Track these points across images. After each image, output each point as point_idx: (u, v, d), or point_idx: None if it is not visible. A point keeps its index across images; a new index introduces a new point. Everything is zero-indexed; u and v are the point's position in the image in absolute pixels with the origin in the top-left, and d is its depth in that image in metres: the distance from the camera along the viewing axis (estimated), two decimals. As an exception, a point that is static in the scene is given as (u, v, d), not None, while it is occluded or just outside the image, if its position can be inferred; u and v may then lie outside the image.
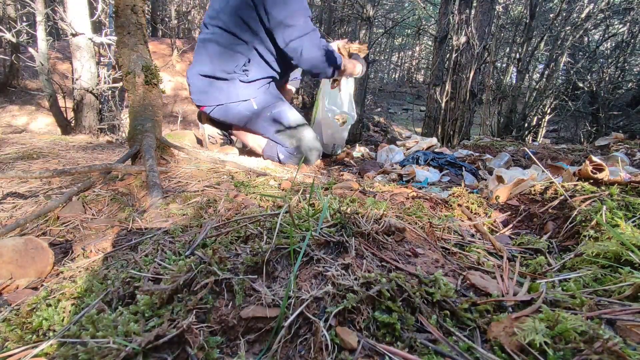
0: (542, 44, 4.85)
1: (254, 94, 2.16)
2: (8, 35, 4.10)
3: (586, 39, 5.46)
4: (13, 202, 1.22)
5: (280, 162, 2.19)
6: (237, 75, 2.12)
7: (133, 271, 0.58)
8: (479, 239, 0.86)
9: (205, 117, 2.44)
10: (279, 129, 2.15)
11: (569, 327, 0.42)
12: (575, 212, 0.86)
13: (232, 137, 2.55)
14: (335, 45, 2.46)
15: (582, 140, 4.82)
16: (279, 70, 2.27)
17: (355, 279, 0.52)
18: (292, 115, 2.17)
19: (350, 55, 2.51)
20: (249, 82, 2.14)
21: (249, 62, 2.11)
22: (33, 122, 7.13)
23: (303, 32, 2.00)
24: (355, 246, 0.60)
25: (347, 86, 2.64)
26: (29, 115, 7.34)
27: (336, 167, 2.33)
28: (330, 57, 2.14)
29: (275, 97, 2.23)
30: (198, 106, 2.34)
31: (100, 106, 4.19)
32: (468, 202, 1.12)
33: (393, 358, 0.42)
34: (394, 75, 19.11)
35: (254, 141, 2.31)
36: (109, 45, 4.26)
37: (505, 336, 0.44)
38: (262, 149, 2.26)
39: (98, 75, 4.14)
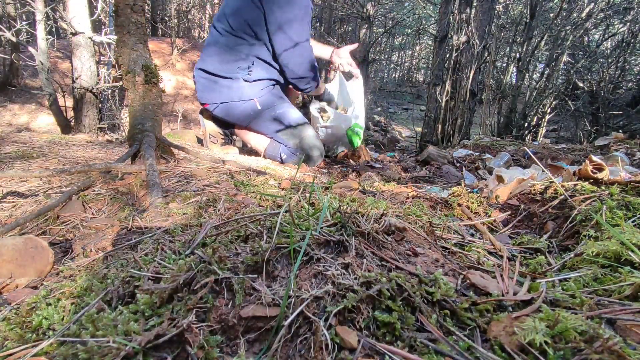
0: (542, 44, 4.85)
1: (257, 94, 2.17)
2: (8, 34, 4.09)
3: (586, 38, 5.46)
4: (13, 201, 1.22)
5: (282, 161, 2.18)
6: (241, 74, 2.13)
7: (133, 270, 0.58)
8: (479, 238, 0.86)
9: (207, 115, 2.43)
10: (280, 129, 2.17)
11: (569, 326, 0.42)
12: (575, 212, 0.85)
13: (233, 136, 2.54)
14: (330, 51, 2.48)
15: (582, 140, 4.82)
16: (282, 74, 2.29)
17: (355, 278, 0.52)
18: (293, 115, 2.19)
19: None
20: (253, 81, 2.15)
21: (252, 64, 2.13)
22: (34, 121, 7.14)
23: (294, 43, 2.03)
24: (355, 245, 0.60)
25: (355, 90, 2.53)
26: (30, 114, 7.35)
27: (336, 166, 2.32)
28: (314, 75, 2.19)
29: (278, 97, 2.24)
30: (202, 104, 2.33)
31: (100, 105, 4.19)
32: (468, 201, 1.11)
33: (393, 357, 0.42)
34: (394, 75, 19.10)
35: (255, 140, 2.31)
36: (109, 44, 4.25)
37: (505, 335, 0.44)
38: (264, 149, 2.26)
39: (98, 75, 4.14)
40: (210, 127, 2.46)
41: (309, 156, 2.15)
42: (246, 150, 2.57)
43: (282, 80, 2.29)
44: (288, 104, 2.25)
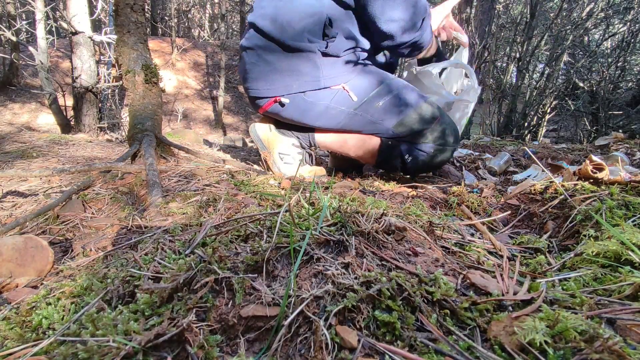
0: (542, 43, 4.85)
1: (346, 76, 1.41)
2: (8, 34, 4.09)
3: (586, 38, 5.46)
4: (13, 201, 1.22)
5: (407, 168, 1.49)
6: (315, 45, 1.36)
7: (133, 270, 0.58)
8: (479, 238, 0.86)
9: (270, 119, 1.65)
10: (405, 119, 1.41)
11: (569, 326, 0.42)
12: (575, 212, 0.85)
13: (313, 148, 1.67)
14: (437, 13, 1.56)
15: (582, 139, 4.83)
16: (368, 44, 1.50)
17: (356, 277, 0.52)
18: (413, 93, 1.46)
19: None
20: (336, 56, 1.40)
21: (329, 23, 1.35)
22: (34, 120, 7.14)
23: None
24: (355, 245, 0.60)
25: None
26: (30, 113, 7.35)
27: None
28: (422, 25, 1.38)
29: (379, 75, 1.47)
30: (255, 103, 1.57)
31: (100, 105, 4.19)
32: (468, 201, 1.11)
33: (393, 357, 0.42)
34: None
35: (358, 146, 1.54)
36: (109, 43, 4.25)
37: (505, 335, 0.44)
38: (380, 153, 1.51)
39: (98, 74, 4.14)
40: (282, 140, 1.62)
41: (447, 148, 1.42)
42: (332, 157, 1.86)
43: (368, 49, 1.50)
44: (394, 78, 1.51)
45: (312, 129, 1.58)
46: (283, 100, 1.45)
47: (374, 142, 1.50)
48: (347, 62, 1.43)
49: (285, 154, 1.60)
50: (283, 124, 1.63)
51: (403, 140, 1.46)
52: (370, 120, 1.45)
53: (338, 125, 1.49)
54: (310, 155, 1.68)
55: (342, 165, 1.87)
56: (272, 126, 1.65)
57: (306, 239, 0.58)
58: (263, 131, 1.65)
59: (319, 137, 1.58)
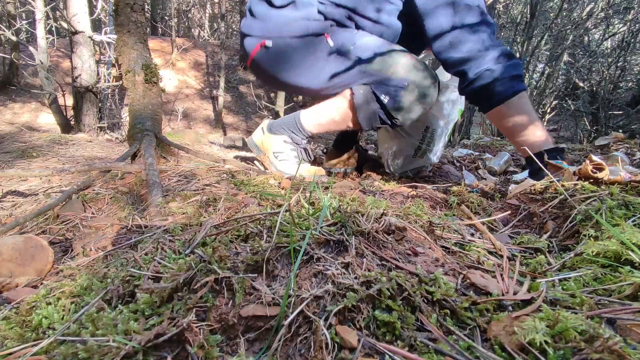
0: (542, 43, 4.85)
1: (328, 28, 1.49)
2: (8, 33, 4.09)
3: (586, 38, 5.46)
4: (13, 201, 1.22)
5: (390, 113, 1.47)
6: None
7: (133, 269, 0.58)
8: (479, 238, 0.86)
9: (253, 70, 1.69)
10: (376, 57, 1.45)
11: (569, 326, 0.42)
12: (575, 212, 0.85)
13: (306, 141, 1.69)
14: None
15: (582, 139, 4.83)
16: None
17: (356, 277, 0.52)
18: (373, 42, 1.50)
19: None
20: (325, 15, 1.48)
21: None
22: (35, 120, 7.15)
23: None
24: (355, 245, 0.60)
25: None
26: (31, 112, 7.36)
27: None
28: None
29: (351, 30, 1.53)
30: (246, 51, 1.63)
31: (100, 104, 4.19)
32: (468, 201, 1.11)
33: (393, 357, 0.42)
34: (394, 74, 19.01)
35: (339, 108, 1.55)
36: (109, 43, 4.26)
37: (505, 335, 0.44)
38: (356, 105, 1.50)
39: (98, 74, 4.14)
40: (275, 139, 1.65)
41: (424, 90, 1.42)
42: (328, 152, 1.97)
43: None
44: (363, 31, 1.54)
45: (296, 110, 1.64)
46: (267, 42, 1.53)
47: (349, 97, 1.52)
48: (333, 24, 1.52)
49: (279, 152, 1.65)
50: (273, 117, 1.79)
51: (373, 83, 1.47)
52: (344, 65, 1.48)
53: (313, 74, 1.53)
54: (306, 151, 1.70)
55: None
56: (265, 126, 1.72)
57: (306, 238, 0.58)
58: (258, 135, 1.75)
59: (304, 117, 1.62)
